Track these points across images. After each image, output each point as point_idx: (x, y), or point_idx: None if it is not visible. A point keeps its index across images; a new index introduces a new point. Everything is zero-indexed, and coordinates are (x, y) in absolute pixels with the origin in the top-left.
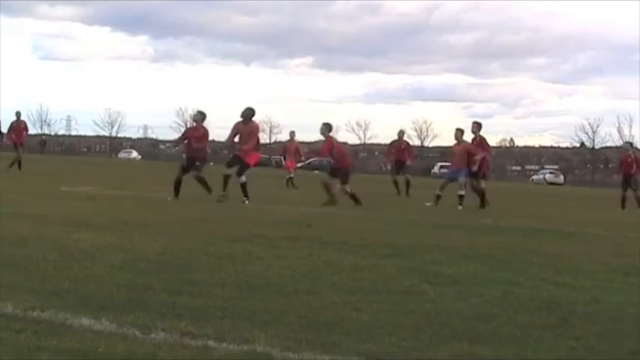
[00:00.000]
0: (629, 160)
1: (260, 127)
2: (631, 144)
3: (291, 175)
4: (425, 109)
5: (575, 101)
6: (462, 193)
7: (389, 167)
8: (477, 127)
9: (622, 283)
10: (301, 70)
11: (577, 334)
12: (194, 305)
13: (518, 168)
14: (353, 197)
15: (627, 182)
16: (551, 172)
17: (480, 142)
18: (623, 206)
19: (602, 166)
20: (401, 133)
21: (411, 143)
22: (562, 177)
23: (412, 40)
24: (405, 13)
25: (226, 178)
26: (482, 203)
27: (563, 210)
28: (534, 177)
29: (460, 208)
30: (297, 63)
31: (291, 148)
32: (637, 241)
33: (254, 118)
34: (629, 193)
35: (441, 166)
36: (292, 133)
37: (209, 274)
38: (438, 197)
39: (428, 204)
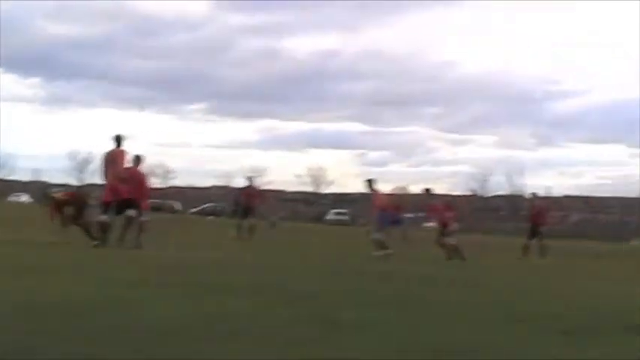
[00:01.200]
0: (535, 210)
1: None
2: (535, 194)
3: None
4: (320, 155)
5: (468, 150)
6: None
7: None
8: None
9: (505, 330)
10: (196, 116)
11: None
12: (87, 352)
13: (412, 215)
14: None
15: (534, 231)
16: None
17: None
18: (524, 254)
19: (492, 214)
20: (250, 179)
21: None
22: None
23: (309, 87)
24: (302, 60)
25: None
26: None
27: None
28: (426, 224)
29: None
30: (192, 109)
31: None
32: (524, 286)
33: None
34: (534, 241)
35: (336, 212)
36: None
37: (104, 318)
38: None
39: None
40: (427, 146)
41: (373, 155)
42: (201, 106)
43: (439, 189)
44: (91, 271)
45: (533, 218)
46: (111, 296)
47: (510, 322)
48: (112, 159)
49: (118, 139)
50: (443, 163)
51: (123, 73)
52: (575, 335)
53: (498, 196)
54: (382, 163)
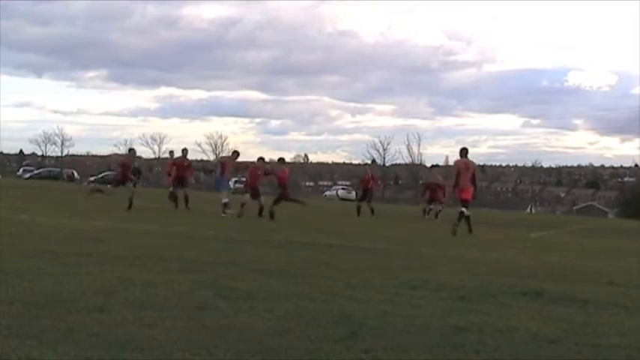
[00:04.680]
0: (367, 177)
1: None
2: (371, 162)
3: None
4: (220, 124)
5: (367, 119)
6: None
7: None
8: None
9: (409, 297)
10: (95, 83)
11: (366, 347)
12: None
13: (312, 184)
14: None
15: (365, 195)
16: (343, 188)
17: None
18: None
19: (392, 183)
20: (133, 151)
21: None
22: (354, 193)
23: (208, 55)
24: (202, 29)
25: None
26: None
27: (356, 225)
28: (327, 193)
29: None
30: (91, 75)
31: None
32: (424, 256)
33: None
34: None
35: (236, 181)
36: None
37: None
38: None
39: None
40: (327, 115)
41: (273, 124)
42: (101, 73)
43: (339, 157)
44: None
45: (363, 184)
46: (5, 268)
47: (409, 289)
48: None
49: None
50: (342, 131)
51: (20, 39)
52: (474, 301)
53: (397, 165)
54: (282, 132)
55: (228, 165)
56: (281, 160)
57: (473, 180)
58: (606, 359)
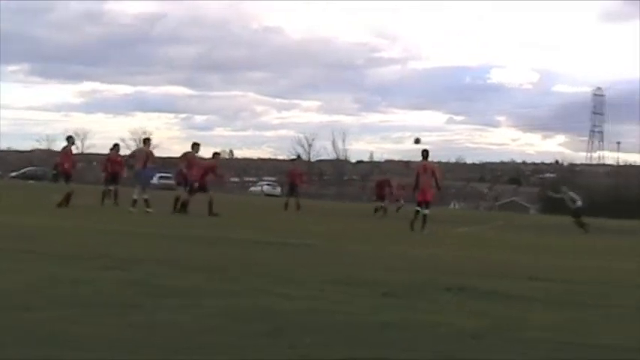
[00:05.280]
0: (295, 172)
1: None
2: (296, 158)
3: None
4: (145, 119)
5: (293, 115)
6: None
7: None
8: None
9: (335, 293)
10: (17, 77)
11: (292, 343)
12: None
13: (237, 179)
14: None
15: (292, 191)
16: (268, 184)
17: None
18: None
19: (317, 179)
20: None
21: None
22: (279, 189)
23: (133, 50)
24: (126, 24)
25: None
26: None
27: (283, 221)
28: (252, 188)
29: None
30: (12, 70)
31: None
32: (351, 252)
33: None
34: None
35: (160, 177)
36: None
37: None
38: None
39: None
40: (252, 110)
41: (198, 119)
42: (23, 67)
43: (264, 153)
44: None
45: (291, 179)
46: None
47: (335, 285)
48: None
49: None
50: (268, 127)
51: None
52: (397, 297)
53: (323, 161)
54: (207, 127)
55: (143, 156)
56: (216, 154)
57: (435, 181)
58: (527, 353)
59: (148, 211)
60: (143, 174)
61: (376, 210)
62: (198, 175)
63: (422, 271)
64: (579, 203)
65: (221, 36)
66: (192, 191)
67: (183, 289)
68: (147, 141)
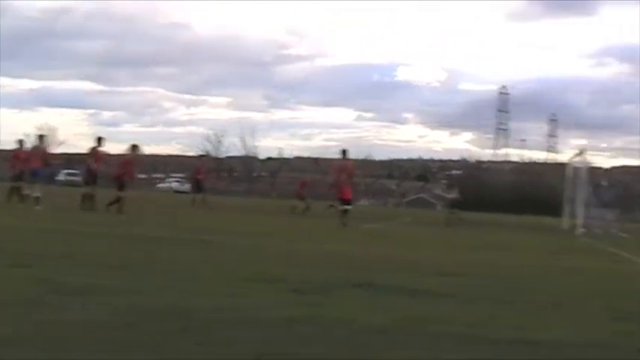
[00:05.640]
0: (199, 169)
1: None
2: (205, 154)
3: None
4: (51, 115)
5: (202, 112)
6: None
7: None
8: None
9: (243, 290)
10: None
11: (199, 340)
12: None
13: (145, 176)
14: None
15: (198, 186)
16: (177, 181)
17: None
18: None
19: (227, 175)
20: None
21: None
22: (187, 185)
23: (39, 45)
24: (33, 18)
25: None
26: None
27: (192, 218)
28: (161, 185)
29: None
30: None
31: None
32: (260, 249)
33: None
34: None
35: (67, 173)
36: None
37: None
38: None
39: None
40: (161, 106)
41: (106, 115)
42: None
43: (173, 149)
44: None
45: (196, 174)
46: None
47: (244, 282)
48: None
49: None
50: (177, 123)
51: None
52: (306, 293)
53: (232, 157)
54: (115, 123)
55: (40, 154)
56: (135, 146)
57: (350, 179)
58: (436, 348)
59: (37, 209)
60: (40, 172)
61: (294, 208)
62: (119, 172)
63: (332, 268)
64: (454, 195)
65: (129, 31)
66: (120, 188)
67: (90, 287)
68: (42, 138)
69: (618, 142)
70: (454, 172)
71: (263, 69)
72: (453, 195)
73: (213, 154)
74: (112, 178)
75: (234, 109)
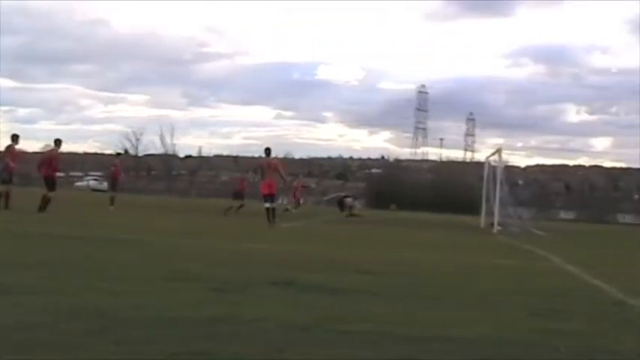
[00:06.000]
0: (115, 167)
1: None
2: (123, 152)
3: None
4: None
5: (120, 109)
6: None
7: None
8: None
9: (163, 289)
10: None
11: (118, 339)
12: None
13: (63, 174)
14: None
15: (115, 185)
16: (95, 179)
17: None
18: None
19: (145, 174)
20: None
21: None
22: (106, 184)
23: None
24: None
25: None
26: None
27: (111, 216)
28: (78, 183)
29: None
30: None
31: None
32: (180, 248)
33: None
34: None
35: None
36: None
37: None
38: None
39: None
40: (78, 104)
41: (22, 112)
42: None
43: (90, 147)
44: None
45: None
46: None
47: (164, 281)
48: None
49: None
50: (94, 121)
51: None
52: (225, 292)
53: (150, 156)
54: (31, 121)
55: None
56: (58, 141)
57: (281, 175)
58: (356, 345)
59: None
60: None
61: (229, 209)
62: (46, 169)
63: (251, 266)
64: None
65: (46, 27)
66: (51, 188)
67: (5, 287)
68: None
69: (534, 142)
70: (374, 170)
71: (182, 67)
72: (343, 194)
73: (131, 152)
74: (42, 178)
75: (153, 107)
